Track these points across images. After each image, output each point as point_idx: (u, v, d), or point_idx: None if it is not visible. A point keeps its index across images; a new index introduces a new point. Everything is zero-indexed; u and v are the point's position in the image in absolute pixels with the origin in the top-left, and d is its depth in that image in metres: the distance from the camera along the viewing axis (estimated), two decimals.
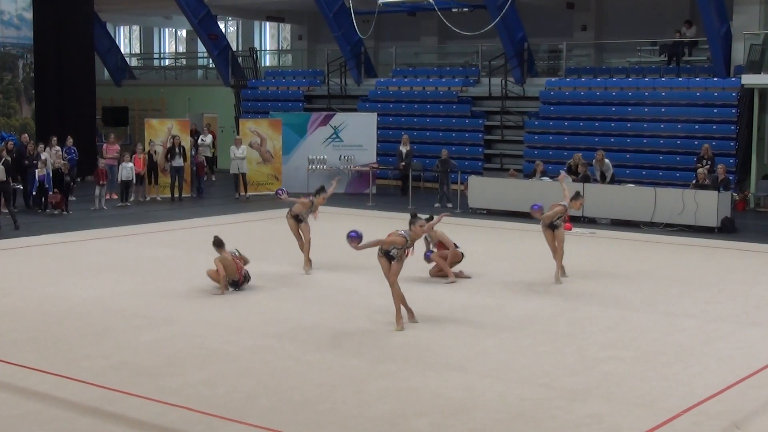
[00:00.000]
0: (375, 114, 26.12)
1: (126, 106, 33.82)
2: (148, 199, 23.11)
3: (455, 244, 13.43)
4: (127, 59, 38.78)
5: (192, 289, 12.39)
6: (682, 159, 22.45)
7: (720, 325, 10.72)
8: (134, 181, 22.31)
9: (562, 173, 20.22)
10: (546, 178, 20.44)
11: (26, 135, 23.46)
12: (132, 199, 22.47)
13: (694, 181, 19.34)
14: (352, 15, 27.37)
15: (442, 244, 13.34)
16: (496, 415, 7.60)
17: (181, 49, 40.16)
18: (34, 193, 20.65)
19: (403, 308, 10.53)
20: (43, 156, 21.11)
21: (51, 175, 20.46)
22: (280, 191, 15.39)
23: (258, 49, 34.97)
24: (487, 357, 9.34)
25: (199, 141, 26.46)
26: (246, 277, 12.50)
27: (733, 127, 22.41)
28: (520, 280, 13.22)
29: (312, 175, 24.74)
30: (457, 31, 25.67)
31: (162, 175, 23.59)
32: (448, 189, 22.46)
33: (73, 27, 27.87)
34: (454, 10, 26.91)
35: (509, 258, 15.28)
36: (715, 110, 22.68)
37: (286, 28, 36.41)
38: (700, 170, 19.36)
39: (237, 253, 12.63)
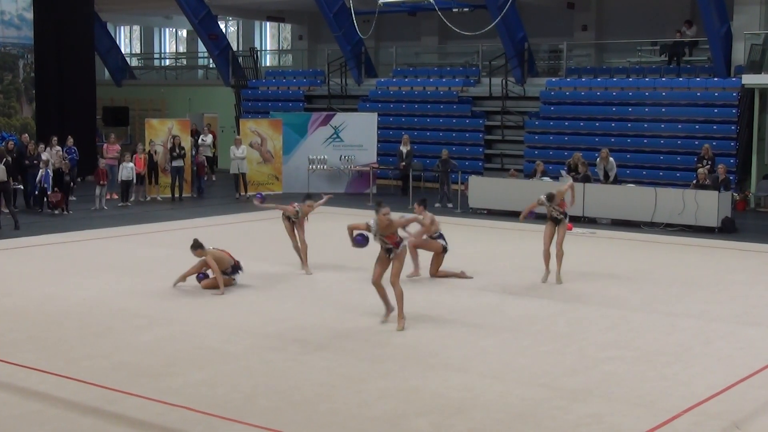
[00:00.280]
0: (375, 114, 26.13)
1: (126, 106, 33.84)
2: (148, 199, 23.12)
3: (441, 235, 13.31)
4: (128, 59, 38.79)
5: (192, 289, 12.39)
6: (683, 159, 22.45)
7: (720, 325, 10.72)
8: (134, 181, 22.32)
9: (563, 173, 20.30)
10: (546, 178, 20.42)
11: (26, 135, 23.49)
12: (132, 199, 22.48)
13: (694, 181, 19.33)
14: (353, 15, 27.37)
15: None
16: (496, 415, 7.60)
17: (182, 49, 40.17)
18: (37, 192, 20.66)
19: (394, 304, 10.48)
20: (44, 156, 21.11)
21: (51, 174, 20.46)
22: (258, 196, 15.53)
23: (258, 49, 34.98)
24: (487, 357, 9.33)
25: (200, 141, 26.48)
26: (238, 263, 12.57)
27: (733, 127, 22.41)
28: (520, 281, 13.21)
29: (312, 175, 24.75)
30: (458, 31, 25.68)
31: (162, 175, 23.61)
32: (448, 189, 22.47)
33: (73, 27, 27.88)
34: (454, 10, 26.92)
35: (509, 258, 15.28)
36: (716, 110, 22.68)
37: (287, 28, 36.42)
38: (700, 170, 19.35)
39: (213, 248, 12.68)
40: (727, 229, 18.10)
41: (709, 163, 20.08)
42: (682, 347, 9.74)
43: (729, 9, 23.00)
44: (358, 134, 25.40)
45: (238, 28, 37.46)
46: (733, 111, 22.41)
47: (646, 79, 24.50)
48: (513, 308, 11.55)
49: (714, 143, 21.68)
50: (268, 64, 35.96)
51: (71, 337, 9.99)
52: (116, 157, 23.46)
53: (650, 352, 9.53)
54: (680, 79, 23.94)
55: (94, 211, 20.82)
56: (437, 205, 21.76)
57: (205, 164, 25.81)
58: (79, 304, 11.45)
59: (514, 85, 26.22)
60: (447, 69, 29.13)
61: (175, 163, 23.17)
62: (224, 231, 17.57)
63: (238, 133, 25.41)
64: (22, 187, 20.54)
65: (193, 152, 24.61)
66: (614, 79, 25.16)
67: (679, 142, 22.88)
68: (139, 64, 40.27)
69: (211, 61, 33.50)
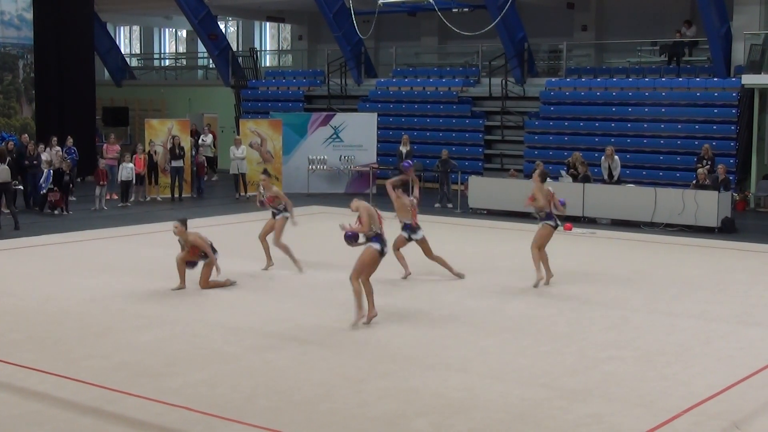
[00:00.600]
0: (375, 114, 26.12)
1: (126, 106, 33.84)
2: (148, 199, 23.11)
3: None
4: (128, 59, 38.79)
5: (192, 289, 12.39)
6: (683, 159, 22.45)
7: (720, 325, 10.72)
8: (134, 181, 22.32)
9: (563, 173, 20.30)
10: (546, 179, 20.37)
11: (26, 135, 23.47)
12: (132, 199, 22.48)
13: (694, 181, 19.33)
14: (353, 15, 27.38)
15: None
16: (496, 415, 7.60)
17: (182, 49, 40.16)
18: (43, 191, 20.61)
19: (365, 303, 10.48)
20: (44, 156, 21.09)
21: (51, 174, 20.44)
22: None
23: (258, 49, 34.98)
24: (487, 357, 9.33)
25: (200, 141, 26.47)
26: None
27: (733, 127, 22.41)
28: (520, 281, 13.20)
29: (312, 176, 24.74)
30: (458, 31, 25.68)
31: (162, 175, 23.61)
32: (448, 189, 22.46)
33: (73, 27, 27.88)
34: (454, 10, 26.91)
35: (509, 258, 15.27)
36: (716, 110, 22.68)
37: (287, 28, 36.42)
38: (700, 170, 19.35)
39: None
40: (726, 229, 18.10)
41: (709, 163, 20.07)
42: (682, 347, 9.74)
43: (729, 9, 23.01)
44: (358, 134, 25.40)
45: (237, 28, 37.46)
46: (733, 111, 22.41)
47: (646, 80, 24.50)
48: (513, 308, 11.55)
49: (714, 143, 21.67)
50: (267, 65, 35.96)
51: (71, 337, 9.99)
52: (116, 157, 23.46)
53: (650, 352, 9.53)
54: (680, 79, 23.93)
55: (94, 211, 20.82)
56: (437, 205, 21.77)
57: (205, 164, 25.81)
58: (79, 304, 11.45)
59: (514, 86, 26.22)
60: (447, 69, 29.14)
61: (174, 164, 23.17)
62: (224, 231, 17.55)
63: (238, 134, 25.41)
64: (22, 188, 20.54)
65: (193, 152, 24.61)
66: (614, 80, 25.15)
67: (678, 142, 22.88)
68: (139, 65, 40.27)
69: (210, 61, 33.50)
